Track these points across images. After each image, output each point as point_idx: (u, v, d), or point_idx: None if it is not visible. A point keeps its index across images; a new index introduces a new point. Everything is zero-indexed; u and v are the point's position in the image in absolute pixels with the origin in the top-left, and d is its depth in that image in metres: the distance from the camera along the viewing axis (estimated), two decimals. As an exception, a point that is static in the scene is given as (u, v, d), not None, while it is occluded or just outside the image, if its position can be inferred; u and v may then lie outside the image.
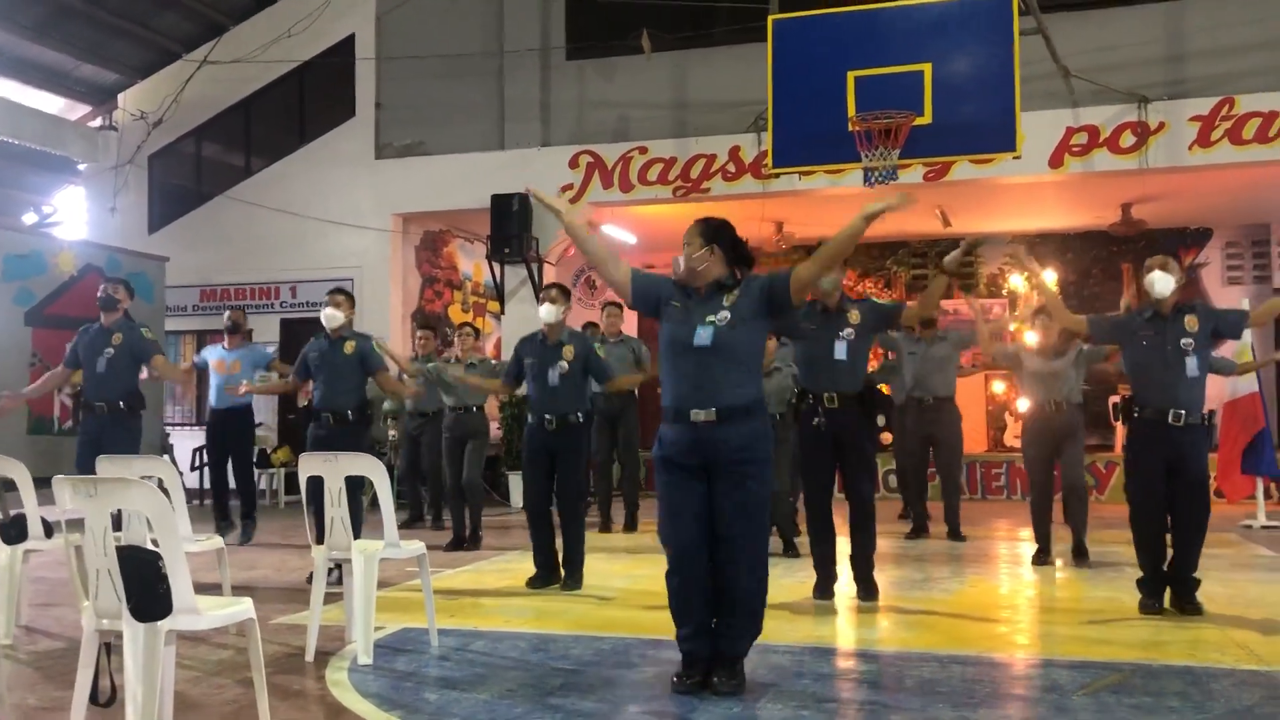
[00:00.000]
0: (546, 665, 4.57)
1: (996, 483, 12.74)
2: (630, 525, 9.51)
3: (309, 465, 4.81)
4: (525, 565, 7.03)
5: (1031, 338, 7.74)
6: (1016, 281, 15.40)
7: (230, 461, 8.69)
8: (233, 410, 8.61)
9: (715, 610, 4.11)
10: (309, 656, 4.65)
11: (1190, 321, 5.45)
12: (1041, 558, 7.39)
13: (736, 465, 4.04)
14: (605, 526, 9.43)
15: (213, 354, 8.82)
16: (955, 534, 8.92)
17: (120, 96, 14.43)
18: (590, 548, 7.07)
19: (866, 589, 5.99)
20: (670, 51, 12.26)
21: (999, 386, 15.12)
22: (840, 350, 5.88)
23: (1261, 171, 11.43)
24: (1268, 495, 10.02)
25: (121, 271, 12.51)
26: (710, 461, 4.06)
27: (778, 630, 5.16)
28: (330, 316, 6.88)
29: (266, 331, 13.52)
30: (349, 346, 6.86)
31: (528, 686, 4.20)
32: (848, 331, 5.90)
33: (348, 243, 13.30)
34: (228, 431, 8.60)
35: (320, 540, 4.85)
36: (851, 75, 8.86)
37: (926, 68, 8.76)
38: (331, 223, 13.26)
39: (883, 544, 6.24)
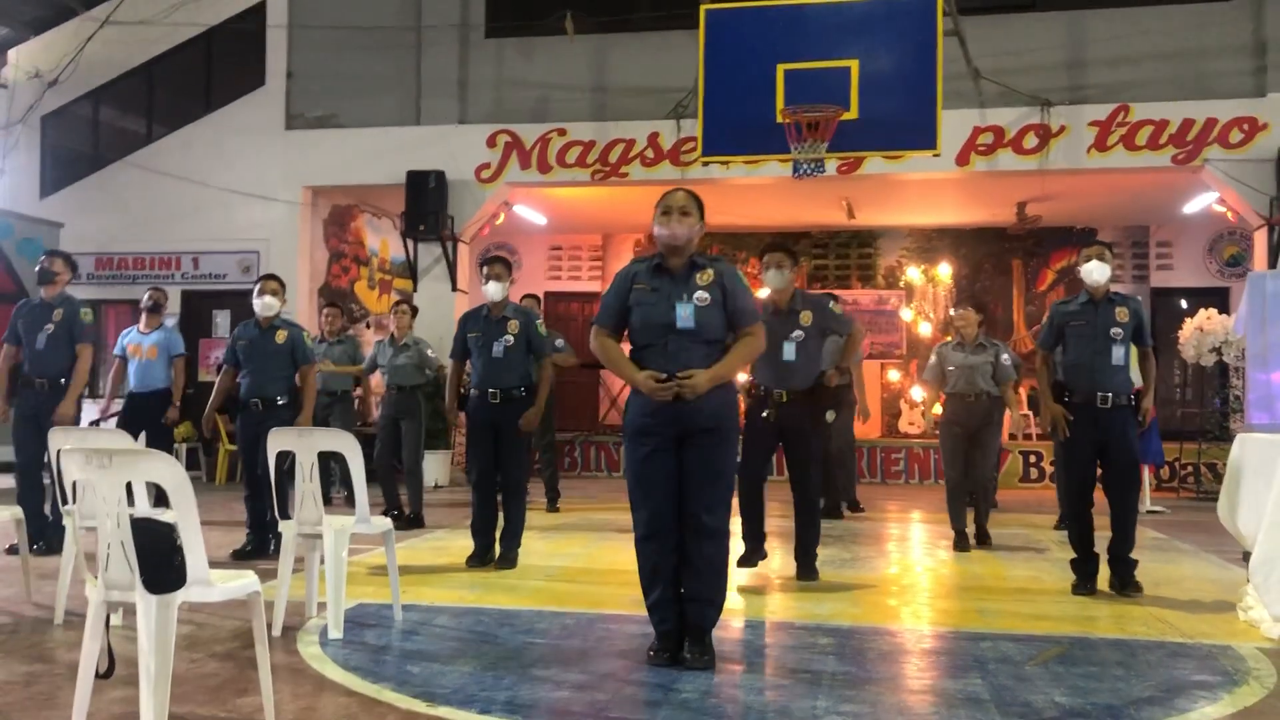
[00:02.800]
0: (519, 639, 4.64)
1: (895, 467, 13.20)
2: (551, 505, 9.59)
3: (279, 440, 4.78)
4: (460, 542, 7.09)
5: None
6: (913, 274, 15.93)
7: (146, 442, 8.44)
8: (152, 394, 8.37)
9: (680, 581, 4.19)
10: (276, 631, 4.63)
11: (1121, 313, 5.78)
12: (962, 543, 7.51)
13: (709, 433, 4.15)
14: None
15: (128, 337, 8.57)
16: (854, 504, 9.44)
17: (11, 53, 13.76)
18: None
19: (807, 572, 6.20)
20: (592, 35, 12.31)
21: (894, 375, 15.64)
22: (789, 352, 6.03)
23: (1147, 176, 12.06)
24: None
25: (14, 236, 12.06)
26: (684, 431, 4.15)
27: (735, 607, 5.36)
28: (268, 305, 6.85)
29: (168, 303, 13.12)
30: (280, 335, 6.83)
31: (507, 659, 4.28)
32: (797, 334, 6.05)
33: (254, 214, 12.98)
34: (147, 414, 8.37)
35: (285, 514, 4.82)
36: (781, 68, 9.10)
37: (854, 64, 9.05)
38: (237, 193, 12.93)
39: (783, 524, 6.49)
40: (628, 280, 4.31)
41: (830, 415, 6.37)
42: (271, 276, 7.01)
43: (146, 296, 8.62)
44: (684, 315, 4.15)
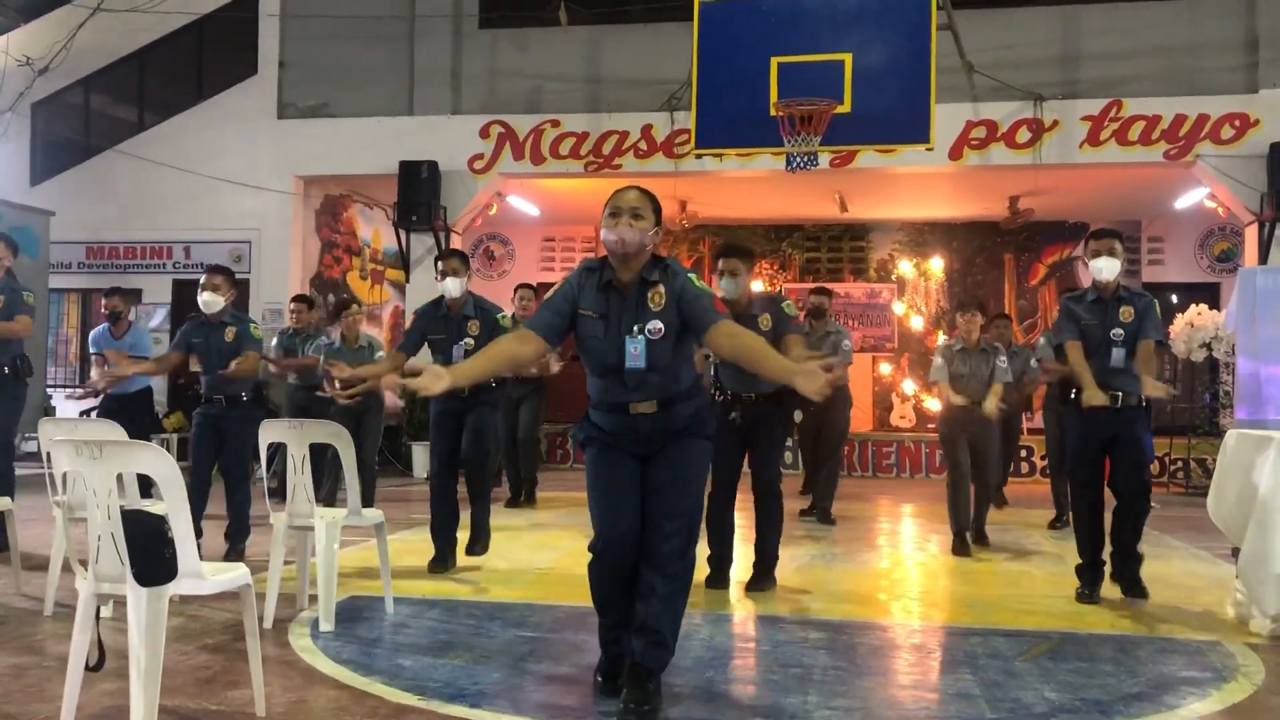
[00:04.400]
0: (510, 633, 4.65)
1: (886, 461, 13.21)
2: (529, 499, 9.52)
3: (270, 432, 4.77)
4: (451, 535, 7.08)
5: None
6: (905, 268, 15.94)
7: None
8: (127, 396, 8.34)
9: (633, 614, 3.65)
10: (267, 624, 4.62)
11: (1126, 313, 5.57)
12: (961, 547, 7.12)
13: (678, 438, 3.66)
14: (515, 500, 9.45)
15: (103, 342, 8.51)
16: (826, 515, 8.64)
17: (0, 40, 13.68)
18: (503, 524, 7.06)
19: (761, 582, 5.75)
20: (586, 26, 12.29)
21: (885, 368, 15.66)
22: None
23: (1138, 171, 12.09)
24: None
25: (3, 224, 11.97)
26: (653, 448, 3.66)
27: (723, 601, 5.38)
28: (209, 302, 6.40)
29: (158, 292, 13.13)
30: (230, 333, 6.49)
31: (499, 653, 4.28)
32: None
33: (245, 204, 12.92)
34: (129, 414, 8.31)
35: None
36: (775, 61, 9.09)
37: (847, 57, 9.05)
38: (229, 182, 12.87)
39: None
40: (571, 300, 3.68)
41: (798, 415, 6.23)
42: (214, 269, 6.57)
43: (104, 304, 8.55)
44: (634, 354, 3.57)
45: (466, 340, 6.17)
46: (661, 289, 3.61)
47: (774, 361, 3.53)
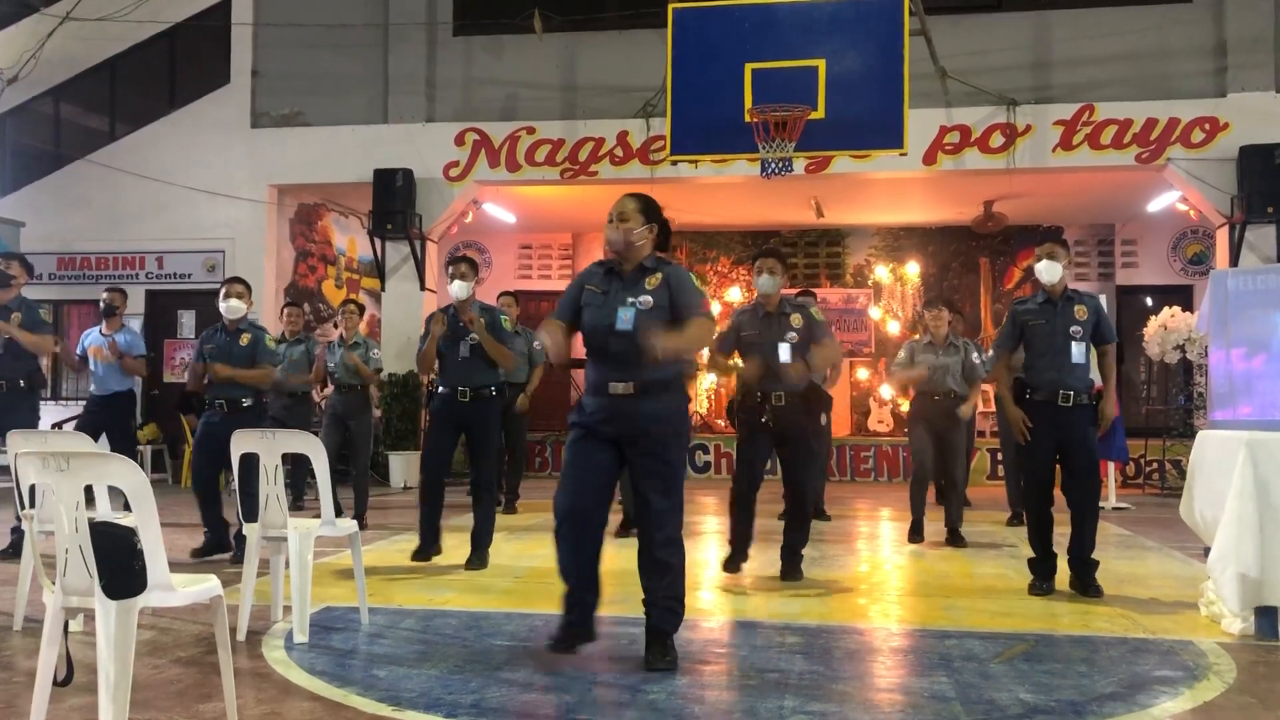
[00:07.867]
0: (486, 642, 4.62)
1: (864, 465, 13.25)
2: (509, 507, 9.50)
3: (242, 442, 4.73)
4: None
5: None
6: (881, 273, 16.00)
7: (110, 445, 8.33)
8: (115, 395, 8.27)
9: (594, 577, 4.24)
10: (241, 635, 4.58)
11: (1080, 311, 5.75)
12: (916, 535, 7.77)
13: (654, 437, 4.15)
14: (508, 507, 9.44)
15: (89, 339, 8.45)
16: (819, 511, 9.04)
17: (-31, 50, 13.57)
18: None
19: (792, 572, 6.22)
20: (560, 33, 12.28)
21: (863, 373, 15.71)
22: (785, 353, 6.05)
23: (1111, 175, 12.18)
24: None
25: (-27, 236, 11.88)
26: (628, 434, 4.15)
27: (703, 606, 5.37)
28: (233, 308, 6.82)
29: (131, 303, 12.88)
30: (245, 338, 6.84)
31: (474, 662, 4.26)
32: (791, 335, 6.07)
33: (219, 213, 12.87)
34: (110, 416, 8.25)
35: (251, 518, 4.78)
36: (749, 67, 9.13)
37: (821, 63, 9.09)
38: (202, 192, 12.80)
39: (761, 522, 6.46)
40: (579, 285, 4.36)
41: (824, 418, 6.41)
42: (236, 280, 6.99)
43: (102, 299, 8.51)
44: (624, 318, 4.15)
45: (471, 337, 6.52)
46: (659, 275, 4.23)
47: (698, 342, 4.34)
